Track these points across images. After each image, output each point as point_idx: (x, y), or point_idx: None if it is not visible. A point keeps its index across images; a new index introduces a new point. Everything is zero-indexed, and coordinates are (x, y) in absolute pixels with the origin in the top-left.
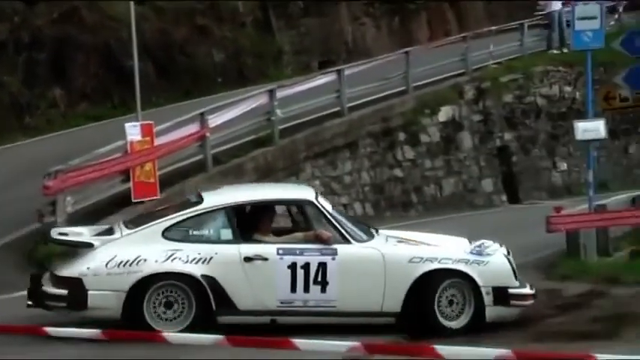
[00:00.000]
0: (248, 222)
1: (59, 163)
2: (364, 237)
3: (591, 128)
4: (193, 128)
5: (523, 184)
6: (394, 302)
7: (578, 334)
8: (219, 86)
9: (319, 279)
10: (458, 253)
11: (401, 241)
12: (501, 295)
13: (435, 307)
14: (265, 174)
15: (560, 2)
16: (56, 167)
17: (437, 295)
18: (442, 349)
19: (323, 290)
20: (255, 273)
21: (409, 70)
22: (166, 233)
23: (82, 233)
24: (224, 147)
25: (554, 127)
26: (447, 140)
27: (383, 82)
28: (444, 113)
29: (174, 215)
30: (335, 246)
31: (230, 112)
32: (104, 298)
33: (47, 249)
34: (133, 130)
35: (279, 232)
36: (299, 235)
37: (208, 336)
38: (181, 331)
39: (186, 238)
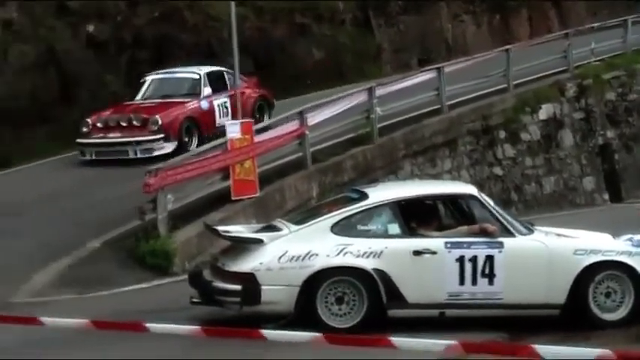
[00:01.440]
0: (412, 217)
1: (160, 161)
2: (526, 230)
3: None
4: (292, 126)
5: (626, 183)
6: (559, 294)
7: None
8: (318, 84)
9: (486, 272)
10: (619, 245)
11: (559, 234)
12: None
13: (591, 299)
14: (364, 172)
15: None
16: (157, 165)
17: (593, 287)
18: (541, 348)
19: (490, 283)
20: (424, 266)
21: (510, 68)
22: (334, 228)
23: (242, 231)
24: (323, 145)
25: None
26: (548, 138)
27: (483, 79)
28: (545, 111)
29: (341, 211)
30: (501, 239)
31: (329, 110)
32: (277, 293)
33: (148, 245)
34: (232, 128)
35: (441, 227)
36: (463, 228)
37: (306, 334)
38: (353, 326)
39: (355, 233)
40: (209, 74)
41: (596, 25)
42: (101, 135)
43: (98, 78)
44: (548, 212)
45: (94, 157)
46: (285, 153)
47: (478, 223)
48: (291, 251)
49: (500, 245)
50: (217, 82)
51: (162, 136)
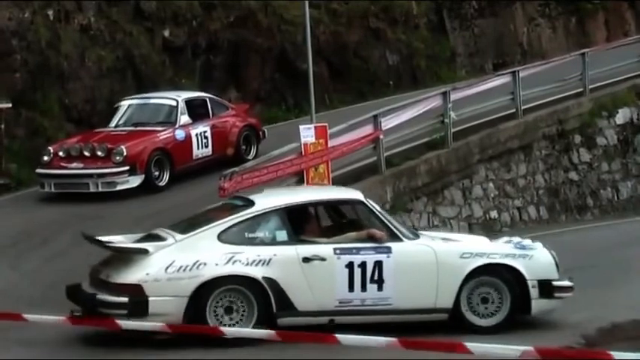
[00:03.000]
0: (300, 223)
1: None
2: (413, 235)
3: None
4: (367, 130)
5: None
6: (447, 298)
7: None
8: (392, 88)
9: (376, 277)
10: (503, 248)
11: (444, 238)
12: (546, 287)
13: (465, 302)
14: (438, 176)
15: None
16: (231, 169)
17: (469, 290)
18: (618, 355)
19: (379, 288)
20: (314, 273)
21: (586, 72)
22: (222, 236)
23: (123, 241)
24: (397, 149)
25: None
26: (625, 143)
27: (559, 83)
28: (622, 115)
29: (228, 218)
30: (389, 244)
31: (403, 115)
32: (166, 304)
33: None
34: (306, 132)
35: (330, 233)
36: (352, 234)
37: (381, 338)
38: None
39: (243, 241)
40: (188, 101)
41: None
42: (62, 165)
43: (174, 82)
44: (626, 217)
45: (53, 190)
46: (360, 157)
47: (366, 228)
48: (178, 261)
49: (389, 250)
50: (198, 110)
51: (126, 168)
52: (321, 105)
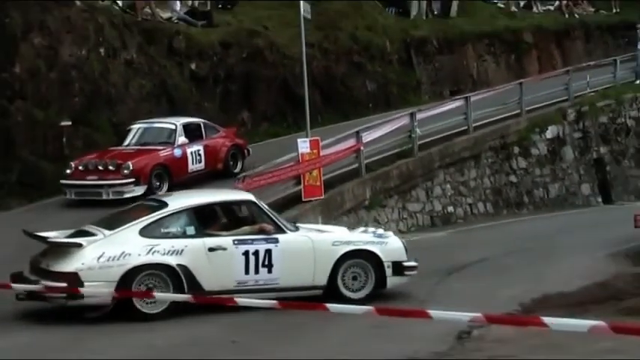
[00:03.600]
0: (205, 219)
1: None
2: (294, 228)
3: None
4: (351, 143)
5: (615, 189)
6: (322, 277)
7: None
8: (370, 110)
9: (266, 262)
10: (365, 236)
11: (318, 230)
12: (398, 267)
13: (340, 280)
14: (407, 180)
15: None
16: (245, 173)
17: (343, 270)
18: (548, 320)
19: (269, 271)
20: (217, 260)
21: (522, 97)
22: (143, 232)
23: (58, 236)
24: (374, 158)
25: None
26: (553, 153)
27: (501, 106)
28: (551, 131)
29: (147, 217)
30: (276, 235)
31: (379, 131)
32: (98, 288)
33: None
34: (303, 145)
35: (228, 227)
36: (246, 228)
37: (360, 307)
38: (161, 312)
39: (160, 235)
40: (186, 125)
41: (592, 63)
42: (81, 177)
43: (198, 105)
44: (553, 212)
45: (73, 197)
46: (345, 164)
47: (258, 223)
48: (107, 252)
49: (276, 241)
50: (194, 132)
51: (132, 180)
52: (314, 123)
